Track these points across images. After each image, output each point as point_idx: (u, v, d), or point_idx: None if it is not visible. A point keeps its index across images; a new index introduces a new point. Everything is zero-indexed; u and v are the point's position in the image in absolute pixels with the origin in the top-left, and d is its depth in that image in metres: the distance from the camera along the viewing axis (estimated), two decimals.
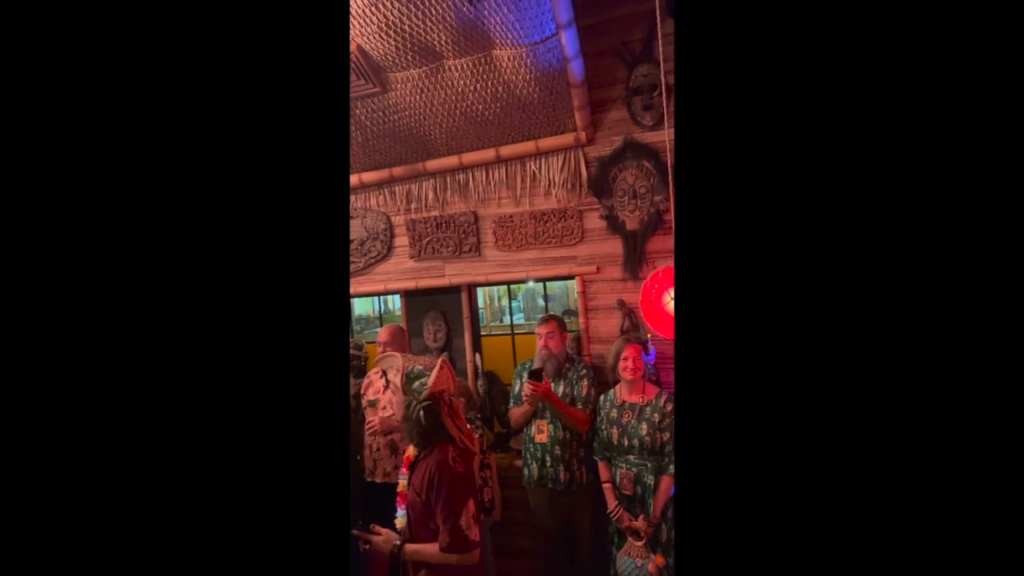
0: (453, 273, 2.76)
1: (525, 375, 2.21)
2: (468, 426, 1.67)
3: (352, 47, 2.18)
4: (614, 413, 2.11)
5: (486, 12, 1.95)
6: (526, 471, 2.29)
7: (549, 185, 2.50)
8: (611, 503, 2.08)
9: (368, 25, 2.07)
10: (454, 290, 2.78)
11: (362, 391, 2.52)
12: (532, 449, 2.27)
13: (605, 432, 2.12)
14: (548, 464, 2.22)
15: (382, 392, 2.38)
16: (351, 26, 2.08)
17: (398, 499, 1.69)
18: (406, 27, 2.05)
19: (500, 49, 2.11)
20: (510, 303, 4.55)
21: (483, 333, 2.97)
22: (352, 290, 2.96)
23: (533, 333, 2.36)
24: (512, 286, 3.60)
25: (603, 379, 2.30)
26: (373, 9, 2.00)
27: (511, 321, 4.20)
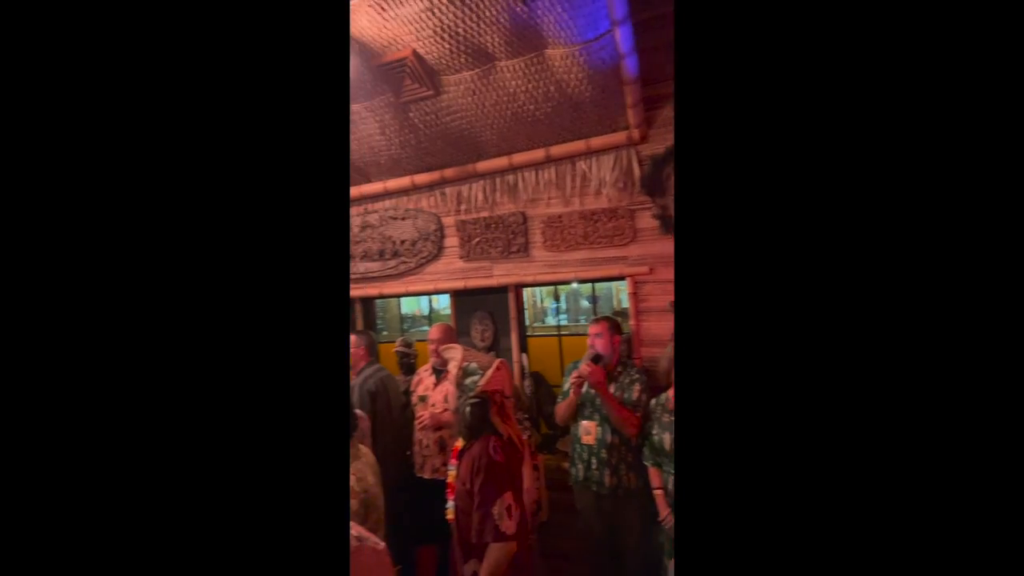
0: (501, 273, 2.77)
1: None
2: (518, 427, 1.68)
3: (407, 52, 2.24)
4: (666, 418, 2.05)
5: (539, 12, 1.95)
6: (573, 471, 2.27)
7: (600, 184, 2.47)
8: (663, 510, 2.02)
9: (423, 29, 2.11)
10: (501, 290, 2.79)
11: (412, 388, 2.58)
12: (579, 450, 2.24)
13: (657, 437, 2.06)
14: (594, 467, 2.19)
15: (432, 389, 2.42)
16: (407, 31, 2.14)
17: (448, 490, 1.72)
18: (460, 30, 2.08)
19: (553, 48, 2.10)
20: (557, 304, 4.52)
21: (527, 334, 2.97)
22: (404, 289, 3.04)
23: (578, 335, 2.34)
24: (557, 287, 3.59)
25: (655, 383, 2.25)
26: (428, 14, 2.04)
27: (557, 322, 4.18)
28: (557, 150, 2.51)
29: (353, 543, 0.93)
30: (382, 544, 0.99)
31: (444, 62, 2.24)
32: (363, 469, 1.68)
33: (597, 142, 2.43)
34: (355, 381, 2.51)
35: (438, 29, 2.09)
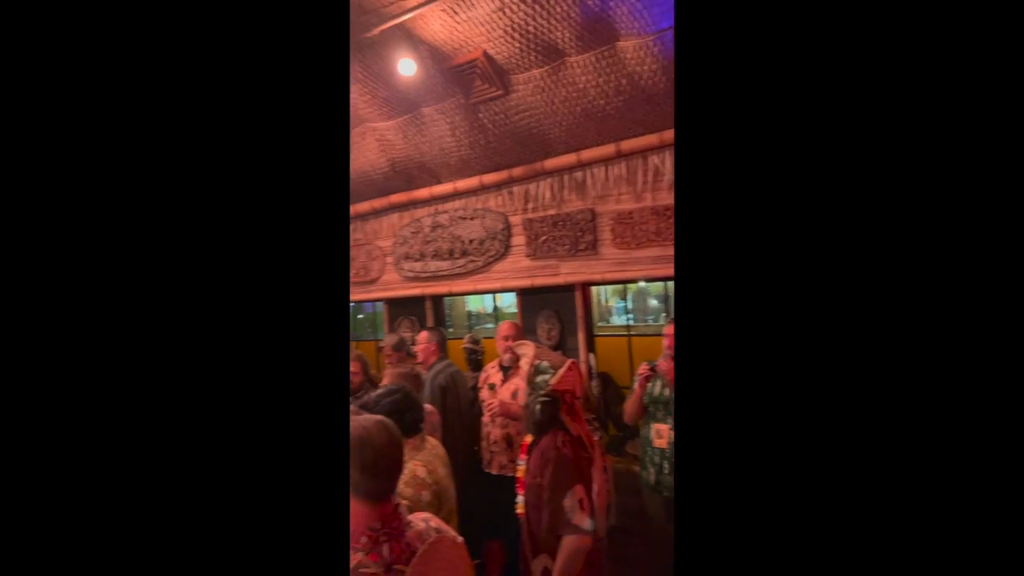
0: (568, 272, 2.74)
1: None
2: (588, 427, 1.65)
3: (478, 53, 2.27)
4: None
5: (612, 3, 1.91)
6: (643, 474, 2.21)
7: (673, 179, 2.37)
8: None
9: (494, 30, 2.13)
10: (568, 289, 2.77)
11: (480, 384, 2.62)
12: (650, 453, 2.17)
13: None
14: (666, 471, 2.11)
15: (500, 385, 2.45)
16: (478, 32, 2.17)
17: (517, 485, 1.73)
18: (530, 28, 2.08)
19: (625, 40, 2.04)
20: (624, 303, 4.41)
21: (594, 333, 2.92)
22: (472, 287, 3.10)
23: (647, 335, 2.26)
24: (626, 285, 3.50)
25: None
26: (499, 14, 2.06)
27: (627, 321, 4.07)
28: (628, 145, 2.44)
29: (432, 535, 0.95)
30: (460, 538, 1.01)
31: (514, 61, 2.25)
32: (433, 461, 1.73)
33: (671, 135, 2.33)
34: (426, 376, 2.59)
35: (509, 28, 2.10)
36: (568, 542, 1.42)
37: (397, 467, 0.94)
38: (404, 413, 1.71)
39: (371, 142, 3.00)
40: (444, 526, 1.02)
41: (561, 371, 1.52)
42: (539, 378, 1.56)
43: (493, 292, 3.32)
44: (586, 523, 1.43)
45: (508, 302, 4.29)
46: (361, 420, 0.95)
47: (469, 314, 5.83)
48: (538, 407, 1.53)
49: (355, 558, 0.86)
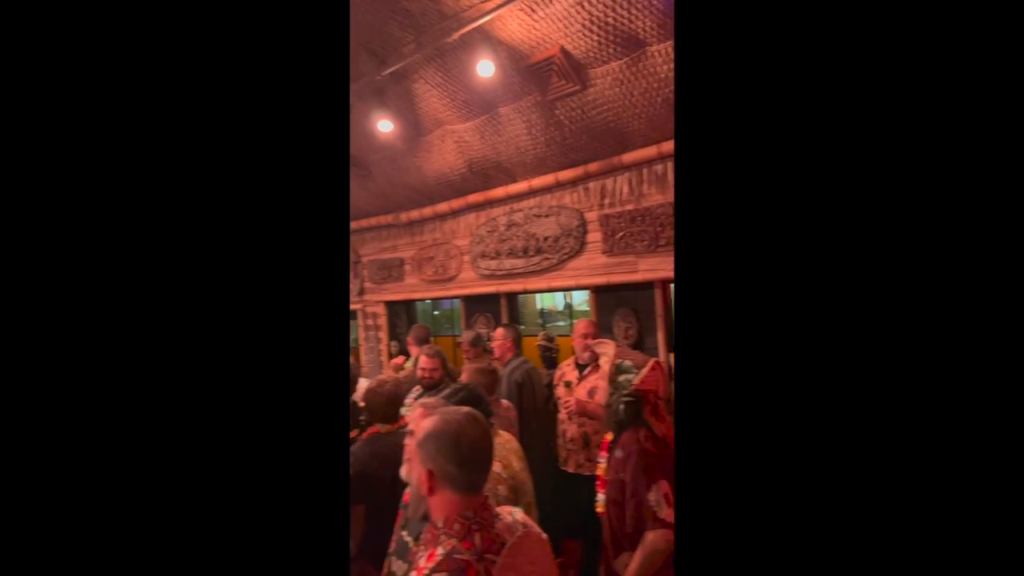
0: (647, 268, 2.65)
1: None
2: (672, 429, 1.59)
3: (555, 50, 2.26)
4: None
5: None
6: None
7: None
8: None
9: (572, 25, 2.11)
10: (646, 286, 2.68)
11: (555, 381, 2.62)
12: None
13: None
14: None
15: (577, 383, 2.43)
16: (556, 29, 2.16)
17: (598, 484, 1.70)
18: (610, 20, 2.03)
19: None
20: None
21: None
22: (547, 285, 3.10)
23: None
24: None
25: None
26: (578, 8, 2.03)
27: None
28: None
29: (520, 529, 0.96)
30: (545, 534, 1.02)
31: (592, 55, 2.21)
32: (507, 456, 1.75)
33: None
34: (503, 372, 2.63)
35: (587, 22, 2.07)
36: (652, 537, 1.37)
37: (490, 458, 0.96)
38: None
39: (449, 144, 3.09)
40: (529, 521, 1.03)
41: (644, 370, 1.48)
42: (621, 377, 1.53)
43: (567, 290, 3.30)
44: (672, 518, 1.37)
45: (580, 299, 4.24)
46: (450, 413, 0.97)
47: (541, 311, 5.84)
48: (622, 407, 1.50)
49: (448, 544, 0.88)
